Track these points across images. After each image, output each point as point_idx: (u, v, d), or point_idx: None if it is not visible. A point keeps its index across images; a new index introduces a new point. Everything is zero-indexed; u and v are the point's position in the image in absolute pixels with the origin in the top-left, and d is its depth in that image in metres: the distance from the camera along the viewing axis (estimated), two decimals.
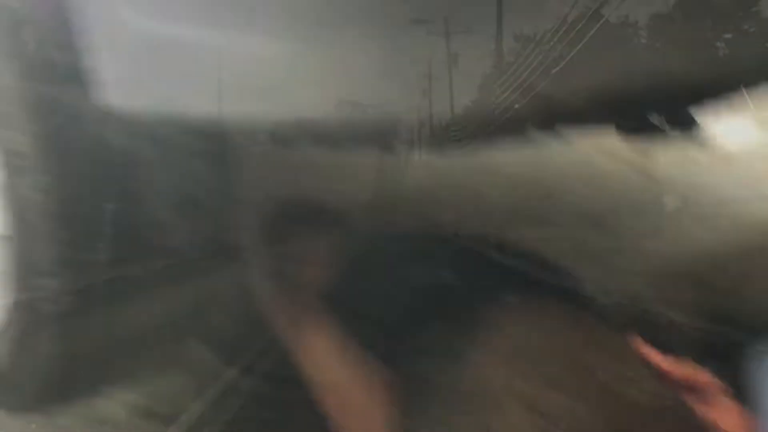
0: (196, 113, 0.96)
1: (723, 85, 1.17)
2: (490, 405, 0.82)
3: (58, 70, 1.11)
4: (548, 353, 0.84)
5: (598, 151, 2.92)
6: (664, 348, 0.91)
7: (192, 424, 1.67)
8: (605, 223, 2.47)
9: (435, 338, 0.93)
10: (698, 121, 1.25)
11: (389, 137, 0.97)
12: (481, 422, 0.81)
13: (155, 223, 1.21)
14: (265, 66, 0.85)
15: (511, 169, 2.87)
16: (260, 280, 1.28)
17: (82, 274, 1.17)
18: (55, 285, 1.17)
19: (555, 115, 1.03)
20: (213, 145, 1.22)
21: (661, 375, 0.85)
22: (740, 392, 0.94)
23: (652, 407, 0.81)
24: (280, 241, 1.32)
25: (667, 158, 2.84)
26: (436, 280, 1.76)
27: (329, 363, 1.24)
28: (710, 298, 1.95)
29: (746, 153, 2.86)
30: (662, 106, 1.18)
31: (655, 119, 1.17)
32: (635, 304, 1.99)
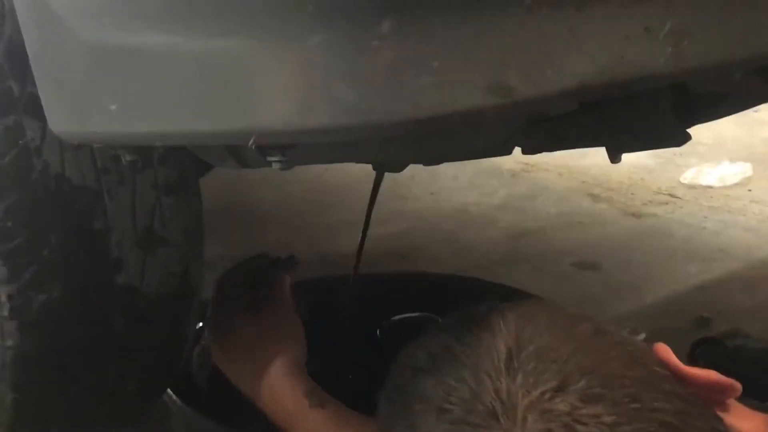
0: (162, 134, 0.88)
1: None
2: (511, 419, 0.72)
3: (16, 102, 1.04)
4: (564, 356, 0.76)
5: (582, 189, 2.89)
6: None
7: None
8: (595, 266, 2.43)
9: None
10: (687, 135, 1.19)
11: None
12: None
13: (116, 261, 1.14)
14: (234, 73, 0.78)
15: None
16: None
17: (38, 314, 1.10)
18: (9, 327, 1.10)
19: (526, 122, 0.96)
20: (178, 173, 1.15)
21: (682, 379, 0.82)
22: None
23: (680, 417, 0.75)
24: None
25: (645, 194, 2.83)
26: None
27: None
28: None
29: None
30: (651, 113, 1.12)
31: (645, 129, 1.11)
32: None
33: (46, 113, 0.95)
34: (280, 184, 2.96)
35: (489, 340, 0.78)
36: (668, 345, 1.96)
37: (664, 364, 0.82)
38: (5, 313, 1.08)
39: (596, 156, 1.28)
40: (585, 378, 0.73)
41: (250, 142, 0.86)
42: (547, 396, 0.72)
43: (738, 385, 0.86)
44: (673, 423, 0.73)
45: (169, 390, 1.40)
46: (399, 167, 1.16)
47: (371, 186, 1.48)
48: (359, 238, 1.59)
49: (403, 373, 0.84)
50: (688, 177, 2.97)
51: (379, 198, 1.53)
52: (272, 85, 0.84)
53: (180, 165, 1.15)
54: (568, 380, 0.73)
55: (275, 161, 0.91)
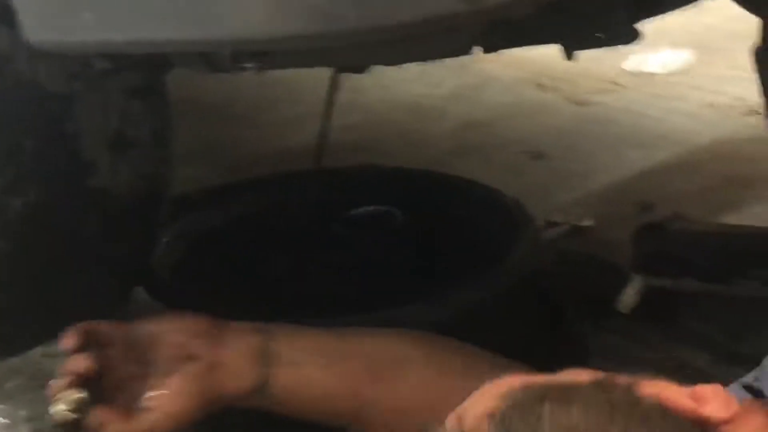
0: (138, 43, 0.90)
1: None
2: None
3: None
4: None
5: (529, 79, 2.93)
6: None
7: None
8: (541, 154, 2.47)
9: None
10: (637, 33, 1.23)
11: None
12: None
13: (88, 164, 1.17)
14: None
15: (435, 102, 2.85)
16: None
17: (16, 216, 1.13)
18: None
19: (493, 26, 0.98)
20: (146, 76, 1.17)
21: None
22: None
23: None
24: None
25: (589, 82, 2.87)
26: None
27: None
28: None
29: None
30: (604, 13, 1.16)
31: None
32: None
33: (19, 22, 0.97)
34: (227, 78, 2.95)
35: None
36: (612, 230, 2.02)
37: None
38: None
39: (543, 47, 1.31)
40: None
41: (227, 51, 0.88)
42: None
43: None
44: None
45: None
46: (362, 69, 1.19)
47: (319, 78, 1.48)
48: (316, 133, 1.61)
49: None
50: (631, 64, 3.01)
51: None
52: None
53: (147, 68, 1.17)
54: None
55: (248, 67, 0.94)
